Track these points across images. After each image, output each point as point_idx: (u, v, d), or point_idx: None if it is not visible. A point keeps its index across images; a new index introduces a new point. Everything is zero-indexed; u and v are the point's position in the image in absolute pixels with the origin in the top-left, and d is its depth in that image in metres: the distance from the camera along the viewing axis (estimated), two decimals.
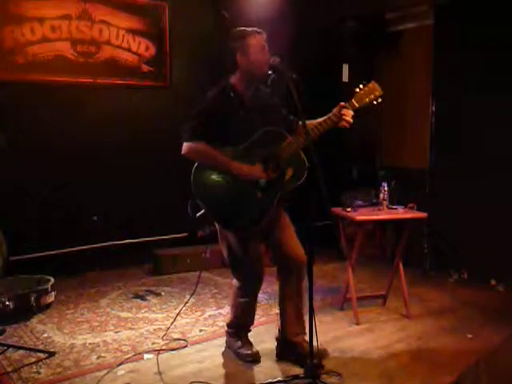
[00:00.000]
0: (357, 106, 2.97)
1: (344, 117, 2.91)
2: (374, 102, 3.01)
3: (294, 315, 3.17)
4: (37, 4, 4.64)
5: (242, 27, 3.02)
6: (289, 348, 3.20)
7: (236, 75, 3.00)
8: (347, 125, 2.93)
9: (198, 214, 3.03)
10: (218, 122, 2.90)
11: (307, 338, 2.85)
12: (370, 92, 2.99)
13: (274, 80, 2.97)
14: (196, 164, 2.95)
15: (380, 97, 2.99)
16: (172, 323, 3.68)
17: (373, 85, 3.01)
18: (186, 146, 2.94)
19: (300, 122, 2.83)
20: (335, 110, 2.94)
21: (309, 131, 2.77)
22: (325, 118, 2.95)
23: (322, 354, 3.11)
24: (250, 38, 2.94)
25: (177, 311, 3.96)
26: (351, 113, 2.94)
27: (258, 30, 2.98)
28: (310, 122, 2.94)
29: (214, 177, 2.94)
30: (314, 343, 2.80)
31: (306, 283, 2.96)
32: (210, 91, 3.02)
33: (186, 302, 3.95)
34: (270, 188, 2.95)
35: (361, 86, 3.00)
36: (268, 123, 2.97)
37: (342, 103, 2.95)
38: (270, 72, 2.91)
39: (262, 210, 2.93)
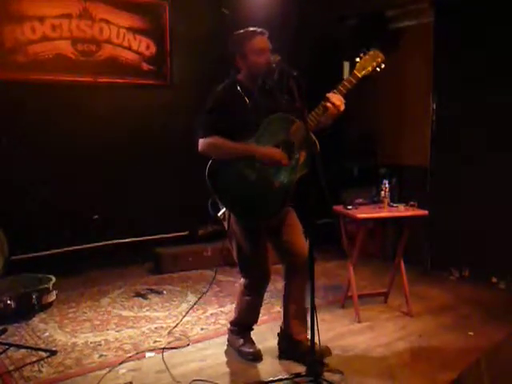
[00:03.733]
0: (360, 76, 2.94)
1: (330, 99, 2.87)
2: (378, 69, 2.96)
3: (298, 314, 3.17)
4: (37, 3, 4.64)
5: (243, 28, 3.01)
6: (292, 346, 3.20)
7: (241, 72, 3.03)
8: (331, 105, 2.86)
9: (219, 213, 3.04)
10: (229, 115, 2.90)
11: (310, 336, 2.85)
12: (371, 59, 2.95)
13: (279, 73, 2.96)
14: (210, 161, 2.93)
15: (383, 62, 2.95)
16: (178, 323, 3.70)
17: (374, 51, 2.97)
18: (201, 141, 2.93)
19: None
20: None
21: (308, 123, 2.78)
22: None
23: (325, 352, 3.11)
24: (247, 41, 2.95)
25: (178, 310, 4.02)
26: (338, 98, 2.89)
27: (259, 30, 2.98)
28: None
29: (230, 171, 2.92)
30: (316, 341, 2.81)
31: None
32: (218, 86, 3.03)
33: (196, 302, 3.99)
34: (286, 175, 2.93)
35: (361, 54, 2.97)
36: (275, 112, 2.96)
37: (327, 94, 2.92)
38: (274, 66, 2.90)
39: (282, 199, 2.94)
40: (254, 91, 3.02)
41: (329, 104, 2.88)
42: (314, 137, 2.88)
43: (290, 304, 3.19)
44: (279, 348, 3.29)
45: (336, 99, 2.89)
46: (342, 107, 2.91)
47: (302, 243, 3.08)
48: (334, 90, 2.93)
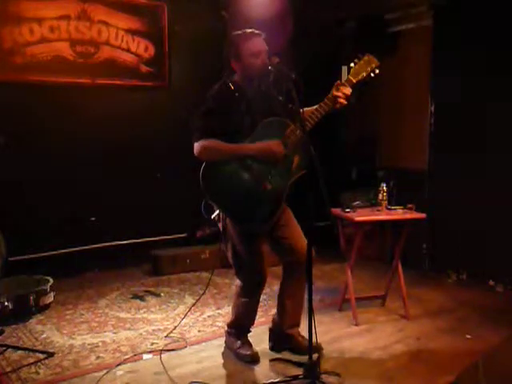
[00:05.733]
0: (354, 81, 2.95)
1: (340, 94, 2.89)
2: (372, 75, 2.97)
3: (293, 309, 3.19)
4: (35, 4, 4.63)
5: (239, 30, 3.01)
6: (283, 340, 3.24)
7: (237, 74, 3.03)
8: (345, 101, 2.91)
9: (212, 216, 3.03)
10: (223, 117, 2.90)
11: (302, 331, 2.85)
12: (366, 65, 2.96)
13: (275, 75, 2.96)
14: (204, 164, 2.92)
15: (377, 68, 2.96)
16: (176, 326, 3.68)
17: (368, 57, 2.97)
18: (197, 145, 2.92)
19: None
20: (332, 91, 2.93)
21: (305, 124, 2.78)
22: (322, 102, 2.94)
23: (316, 348, 3.11)
24: (243, 43, 2.94)
25: (176, 312, 4.03)
26: (349, 90, 2.93)
27: (256, 32, 2.97)
28: (307, 109, 2.92)
29: (224, 174, 2.92)
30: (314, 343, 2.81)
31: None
32: (212, 88, 3.02)
33: (193, 305, 3.97)
34: (279, 178, 2.94)
35: (355, 60, 2.97)
36: (270, 114, 2.97)
37: (338, 82, 2.95)
38: (270, 68, 2.90)
39: (275, 202, 2.94)
40: (249, 93, 3.01)
41: (341, 99, 2.90)
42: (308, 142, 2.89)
43: (285, 299, 3.21)
44: (270, 342, 3.32)
45: (347, 91, 2.92)
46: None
47: (301, 239, 3.07)
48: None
